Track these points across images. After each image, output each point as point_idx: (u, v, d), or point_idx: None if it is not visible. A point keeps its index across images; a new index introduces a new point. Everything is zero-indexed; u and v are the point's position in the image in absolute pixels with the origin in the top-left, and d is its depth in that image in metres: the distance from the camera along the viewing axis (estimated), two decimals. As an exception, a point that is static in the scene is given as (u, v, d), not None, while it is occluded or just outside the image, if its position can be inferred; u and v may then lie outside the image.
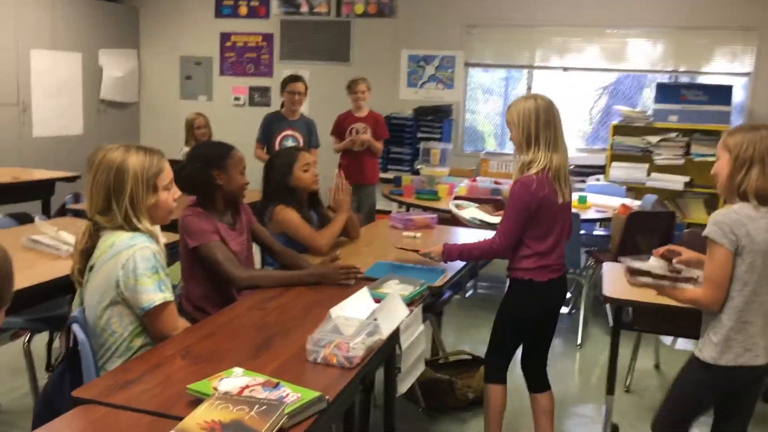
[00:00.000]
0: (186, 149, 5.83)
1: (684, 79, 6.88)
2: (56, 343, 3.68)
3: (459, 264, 3.16)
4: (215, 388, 1.68)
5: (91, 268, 2.13)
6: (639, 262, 2.38)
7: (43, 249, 3.03)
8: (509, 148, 7.67)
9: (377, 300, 2.47)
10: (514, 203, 2.73)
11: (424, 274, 2.89)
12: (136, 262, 2.06)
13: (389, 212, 7.17)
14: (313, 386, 1.76)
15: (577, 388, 4.12)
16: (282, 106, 5.82)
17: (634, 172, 6.59)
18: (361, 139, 5.95)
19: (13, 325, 3.23)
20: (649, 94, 7.24)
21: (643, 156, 6.60)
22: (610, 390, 3.13)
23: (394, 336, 2.29)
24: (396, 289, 2.58)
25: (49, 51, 7.30)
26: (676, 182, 6.46)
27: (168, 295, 2.10)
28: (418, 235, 3.71)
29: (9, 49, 6.85)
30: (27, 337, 3.24)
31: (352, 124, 6.06)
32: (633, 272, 2.35)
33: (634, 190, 6.36)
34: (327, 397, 1.72)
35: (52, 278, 2.66)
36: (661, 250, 2.40)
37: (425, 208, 5.57)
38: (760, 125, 2.27)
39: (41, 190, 5.31)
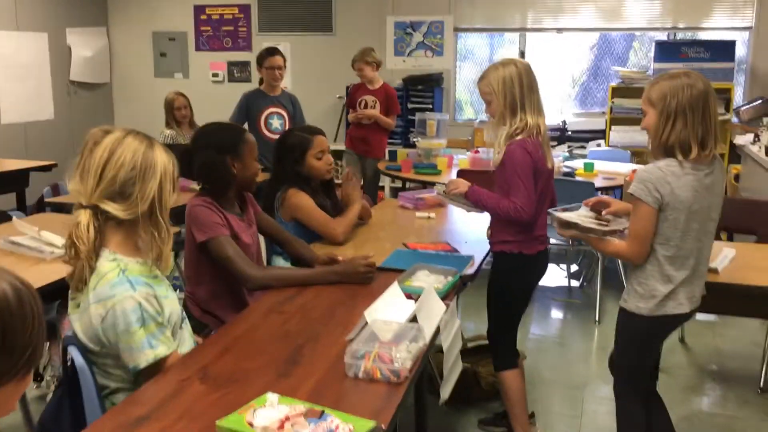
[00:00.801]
0: (168, 132, 5.48)
1: (683, 36, 6.64)
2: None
3: (483, 249, 2.90)
4: (250, 424, 1.40)
5: (78, 304, 1.79)
6: (568, 213, 2.46)
7: (24, 252, 2.71)
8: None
9: (408, 295, 2.22)
10: (518, 166, 2.55)
11: (452, 262, 2.63)
12: (116, 317, 1.68)
13: (383, 188, 6.93)
14: (361, 410, 1.50)
15: (599, 369, 3.90)
16: (260, 82, 5.46)
17: (636, 135, 6.34)
18: (366, 114, 5.83)
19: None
20: (637, 52, 7.02)
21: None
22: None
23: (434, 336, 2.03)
24: (428, 282, 2.31)
25: (13, 32, 6.85)
26: (679, 144, 6.22)
27: (161, 350, 1.71)
28: (432, 215, 3.44)
29: (-31, 31, 6.42)
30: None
31: (362, 96, 5.90)
32: (561, 224, 2.41)
33: (637, 154, 6.13)
34: (382, 425, 1.45)
35: (37, 287, 2.34)
36: (592, 200, 2.50)
37: (425, 183, 5.31)
38: (679, 73, 2.23)
39: (15, 182, 4.94)
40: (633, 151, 6.05)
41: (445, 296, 2.25)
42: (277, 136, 5.31)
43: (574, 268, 5.49)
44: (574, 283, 5.24)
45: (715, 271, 2.67)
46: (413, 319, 1.98)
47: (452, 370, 2.22)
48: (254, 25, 7.67)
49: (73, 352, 1.74)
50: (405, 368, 1.70)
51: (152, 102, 8.03)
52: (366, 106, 5.89)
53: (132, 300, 1.70)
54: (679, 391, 3.46)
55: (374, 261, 2.49)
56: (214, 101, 7.10)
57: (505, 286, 2.80)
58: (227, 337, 1.93)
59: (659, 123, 2.17)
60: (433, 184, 5.18)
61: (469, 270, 2.58)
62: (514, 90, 2.58)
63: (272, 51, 5.34)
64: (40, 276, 2.44)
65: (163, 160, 1.81)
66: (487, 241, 2.84)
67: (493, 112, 2.68)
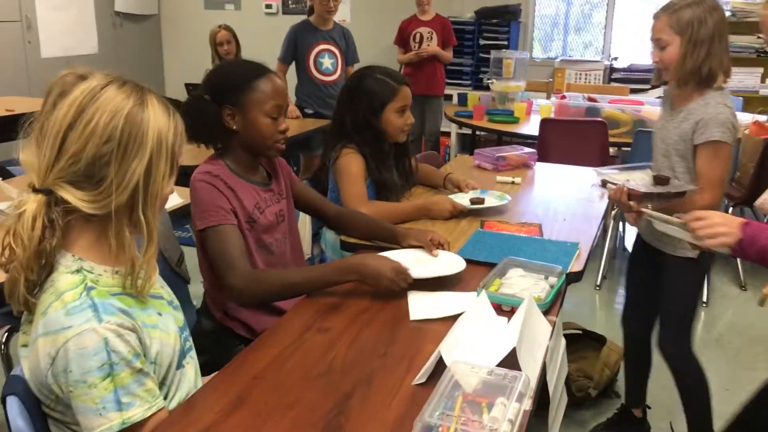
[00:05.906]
0: (211, 69, 4.92)
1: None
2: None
3: (590, 228, 2.24)
4: None
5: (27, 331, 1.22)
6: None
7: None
8: (585, 54, 6.56)
9: (497, 306, 1.61)
10: None
11: (551, 251, 1.99)
12: (69, 359, 1.12)
13: (448, 134, 6.26)
14: None
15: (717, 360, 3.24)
16: (309, 13, 4.79)
17: (745, 78, 5.50)
18: (427, 51, 5.33)
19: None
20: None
21: (757, 59, 5.47)
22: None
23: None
24: (524, 287, 1.69)
25: (51, -44, 6.34)
26: (797, 90, 5.35)
27: (135, 412, 1.15)
28: (517, 179, 2.79)
29: (3, -44, 5.91)
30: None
31: (416, 29, 5.35)
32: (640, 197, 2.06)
33: (749, 101, 5.26)
34: None
35: None
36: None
37: (501, 133, 4.62)
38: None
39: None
40: (745, 97, 5.19)
41: (548, 310, 1.63)
42: (328, 78, 4.72)
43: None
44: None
45: None
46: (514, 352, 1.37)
47: (558, 407, 1.62)
48: (311, -51, 6.95)
49: (12, 408, 1.18)
50: (505, 453, 1.11)
51: (202, 36, 7.41)
52: (421, 39, 5.35)
53: (94, 335, 1.12)
54: None
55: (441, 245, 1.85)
56: (267, 35, 6.46)
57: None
58: (244, 373, 1.35)
59: (686, 51, 2.03)
60: (509, 135, 4.50)
61: (576, 266, 1.93)
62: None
63: None
64: None
65: (157, 126, 1.20)
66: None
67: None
